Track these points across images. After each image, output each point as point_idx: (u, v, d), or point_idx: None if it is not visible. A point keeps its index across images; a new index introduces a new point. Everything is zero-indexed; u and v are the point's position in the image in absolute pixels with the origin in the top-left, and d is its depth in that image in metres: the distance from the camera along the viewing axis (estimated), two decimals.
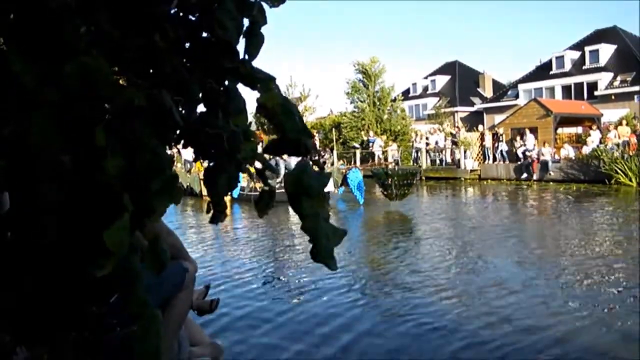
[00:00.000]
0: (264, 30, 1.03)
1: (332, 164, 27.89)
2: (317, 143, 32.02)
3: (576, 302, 6.18)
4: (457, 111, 45.27)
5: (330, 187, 17.88)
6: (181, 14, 0.97)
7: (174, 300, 2.21)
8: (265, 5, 0.96)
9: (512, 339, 5.01)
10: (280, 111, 0.97)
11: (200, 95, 1.12)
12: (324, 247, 1.02)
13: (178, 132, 1.16)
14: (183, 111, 1.13)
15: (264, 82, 0.97)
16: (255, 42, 0.95)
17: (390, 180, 15.83)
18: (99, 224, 0.95)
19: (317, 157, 1.05)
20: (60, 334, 1.10)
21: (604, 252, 9.00)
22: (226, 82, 1.10)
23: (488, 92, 47.81)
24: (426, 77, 52.07)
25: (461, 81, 48.84)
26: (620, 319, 5.60)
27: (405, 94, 47.48)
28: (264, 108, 0.97)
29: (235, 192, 17.45)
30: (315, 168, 1.05)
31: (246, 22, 1.03)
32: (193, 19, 1.04)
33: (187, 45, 1.03)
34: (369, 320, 5.73)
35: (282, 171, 18.07)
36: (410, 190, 16.52)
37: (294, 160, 17.81)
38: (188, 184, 20.55)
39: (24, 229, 1.00)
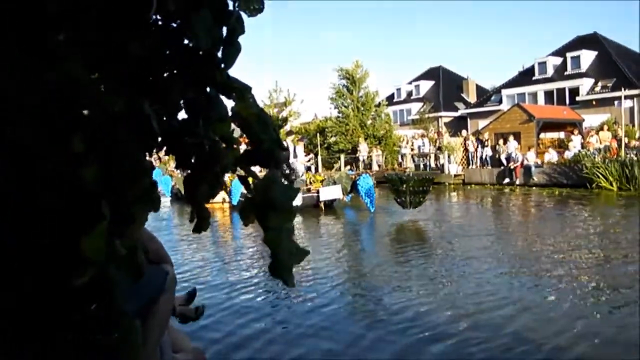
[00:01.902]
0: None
1: (317, 170, 27.90)
2: (302, 148, 32.02)
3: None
4: (441, 116, 45.53)
5: (338, 194, 17.03)
6: (160, 22, 0.98)
7: (155, 305, 2.20)
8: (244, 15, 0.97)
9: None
10: (255, 121, 0.97)
11: (182, 102, 1.12)
12: (283, 262, 1.03)
13: (160, 139, 1.17)
14: (164, 118, 1.14)
15: (239, 91, 0.98)
16: (232, 52, 0.96)
17: (404, 187, 14.59)
18: (77, 232, 0.95)
19: (288, 170, 1.06)
20: (60, 335, 1.10)
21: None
22: (208, 90, 1.11)
23: (472, 98, 48.17)
24: (410, 83, 52.34)
25: (445, 86, 49.15)
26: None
27: (390, 99, 47.62)
28: (239, 117, 0.98)
29: (235, 199, 17.24)
30: (285, 181, 1.06)
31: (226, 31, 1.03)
32: (175, 25, 1.05)
33: (167, 52, 1.04)
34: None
35: None
36: (425, 198, 15.28)
37: (298, 167, 17.50)
38: None
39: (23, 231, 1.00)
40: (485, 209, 17.95)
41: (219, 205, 18.14)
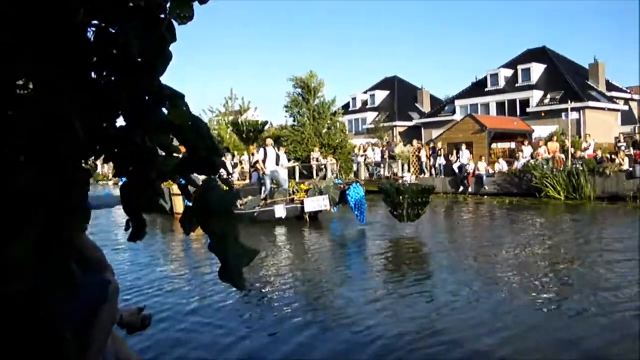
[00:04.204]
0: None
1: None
2: (284, 154, 31.71)
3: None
4: (396, 126, 46.06)
5: (324, 205, 15.57)
6: (92, 29, 0.97)
7: (97, 314, 2.16)
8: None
9: None
10: (189, 129, 0.97)
11: (120, 111, 1.11)
12: (231, 266, 1.02)
13: (97, 147, 1.15)
14: (101, 125, 1.12)
15: (172, 99, 0.98)
16: (163, 60, 0.96)
17: (402, 198, 12.99)
18: (5, 239, 0.93)
19: (226, 176, 1.06)
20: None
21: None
22: (146, 98, 1.10)
23: (426, 108, 48.94)
24: (366, 92, 52.80)
25: (400, 96, 49.78)
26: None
27: (345, 109, 47.85)
28: (172, 125, 0.97)
29: None
30: (224, 187, 1.06)
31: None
32: (112, 32, 1.04)
33: (101, 58, 1.03)
34: None
35: (269, 185, 16.27)
36: (424, 210, 13.61)
37: (282, 174, 16.73)
38: None
39: None
40: (466, 221, 17.25)
41: None
